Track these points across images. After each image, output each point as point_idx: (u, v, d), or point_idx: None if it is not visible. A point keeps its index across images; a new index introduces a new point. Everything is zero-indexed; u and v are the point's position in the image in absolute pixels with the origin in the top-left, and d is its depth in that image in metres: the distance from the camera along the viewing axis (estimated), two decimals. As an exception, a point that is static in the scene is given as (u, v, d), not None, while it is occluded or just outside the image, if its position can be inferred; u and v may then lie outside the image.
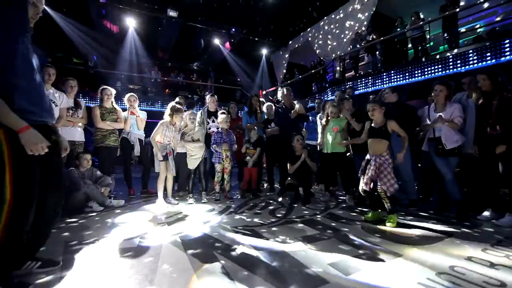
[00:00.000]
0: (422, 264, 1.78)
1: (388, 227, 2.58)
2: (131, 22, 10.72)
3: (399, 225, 2.63)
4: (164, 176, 3.60)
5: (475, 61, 5.39)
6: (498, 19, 6.93)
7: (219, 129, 4.02)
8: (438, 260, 1.83)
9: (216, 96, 4.61)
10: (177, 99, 4.50)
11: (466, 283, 1.52)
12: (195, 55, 13.75)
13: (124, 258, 1.93)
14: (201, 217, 3.02)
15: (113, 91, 4.00)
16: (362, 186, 2.85)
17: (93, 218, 3.01)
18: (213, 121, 4.36)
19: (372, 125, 2.90)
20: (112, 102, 3.97)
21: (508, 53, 4.94)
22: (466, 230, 2.47)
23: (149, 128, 4.08)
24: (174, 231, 2.52)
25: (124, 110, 4.18)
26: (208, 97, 4.67)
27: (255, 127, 4.35)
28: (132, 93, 4.32)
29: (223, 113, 4.07)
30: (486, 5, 6.32)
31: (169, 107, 3.69)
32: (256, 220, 2.89)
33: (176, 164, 3.72)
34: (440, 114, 2.96)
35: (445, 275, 1.62)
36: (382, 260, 1.84)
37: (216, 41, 12.56)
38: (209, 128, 4.32)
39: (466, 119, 2.94)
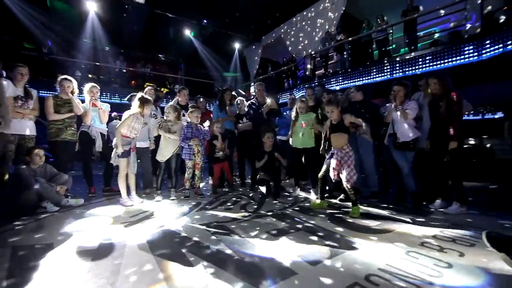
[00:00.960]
0: (383, 251, 1.91)
1: (352, 218, 2.74)
2: (91, 6, 9.84)
3: (362, 215, 2.80)
4: (124, 174, 3.38)
5: (431, 64, 5.88)
6: (451, 25, 7.63)
7: (189, 123, 3.89)
8: (395, 247, 1.98)
9: (187, 90, 4.46)
10: (145, 90, 4.25)
11: (419, 266, 1.67)
12: (164, 45, 13.09)
13: (83, 261, 1.79)
14: (170, 215, 2.91)
15: (75, 83, 3.64)
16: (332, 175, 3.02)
17: (47, 220, 2.75)
18: (183, 115, 4.22)
19: (332, 122, 3.09)
20: (70, 94, 3.59)
21: (458, 58, 5.46)
22: (420, 219, 2.71)
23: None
24: (140, 230, 2.40)
25: (83, 102, 3.82)
26: (178, 90, 4.50)
27: (219, 122, 4.28)
28: (93, 84, 3.97)
29: (193, 106, 3.95)
30: (442, 12, 6.92)
31: (137, 98, 3.48)
32: (227, 215, 2.86)
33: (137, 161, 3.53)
34: (398, 106, 3.20)
35: (402, 259, 1.76)
36: (346, 249, 1.94)
37: (187, 32, 12.09)
38: (179, 122, 4.17)
39: (423, 117, 3.21)
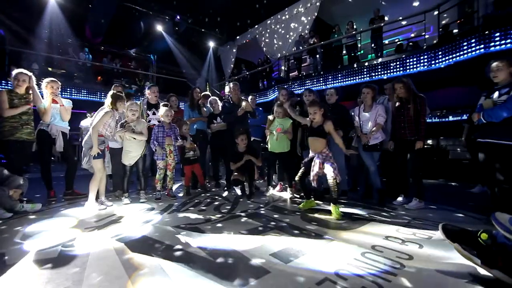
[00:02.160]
0: (351, 245, 2.01)
1: (333, 218, 2.72)
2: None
3: (331, 212, 2.91)
4: (100, 176, 3.17)
5: (395, 70, 6.31)
6: (412, 35, 8.27)
7: (161, 122, 3.75)
8: (362, 241, 2.09)
9: (157, 87, 4.29)
10: (112, 88, 4.01)
11: (383, 259, 1.78)
12: (133, 40, 12.45)
13: (40, 271, 1.64)
14: (139, 218, 2.78)
15: (33, 77, 3.32)
16: (310, 180, 3.04)
17: (-3, 227, 2.47)
18: (154, 114, 4.06)
19: (313, 125, 3.06)
20: (27, 89, 3.26)
21: (419, 65, 5.93)
22: (384, 214, 2.90)
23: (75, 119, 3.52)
24: (106, 235, 2.26)
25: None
26: (148, 88, 4.30)
27: (188, 122, 4.20)
28: (52, 78, 3.62)
29: (165, 105, 3.81)
30: (404, 22, 7.47)
31: (109, 95, 3.29)
32: (200, 217, 2.81)
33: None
34: (366, 132, 3.41)
35: (368, 253, 1.87)
36: (318, 246, 2.01)
37: (159, 28, 11.64)
38: (149, 121, 4.01)
39: (387, 119, 3.43)
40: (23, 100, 3.22)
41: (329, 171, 2.81)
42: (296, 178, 3.14)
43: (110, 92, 3.36)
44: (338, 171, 2.85)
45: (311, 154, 3.09)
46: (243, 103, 4.20)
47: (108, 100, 3.29)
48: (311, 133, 3.05)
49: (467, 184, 4.65)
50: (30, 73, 3.31)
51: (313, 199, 3.25)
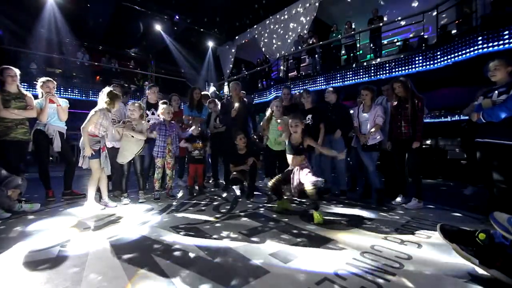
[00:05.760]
0: (350, 246, 2.01)
1: (316, 224, 2.57)
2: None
3: (331, 214, 2.92)
4: (97, 177, 3.13)
5: (394, 70, 6.33)
6: (411, 35, 8.29)
7: (163, 120, 3.71)
8: (361, 241, 2.09)
9: (157, 87, 4.28)
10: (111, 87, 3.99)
11: (383, 259, 1.78)
12: (132, 40, 12.44)
13: (39, 271, 1.63)
14: (138, 218, 2.77)
15: (18, 72, 3.23)
16: (290, 192, 3.00)
17: (-5, 228, 2.46)
18: (153, 113, 4.05)
19: (292, 142, 2.95)
20: (17, 86, 3.22)
21: (418, 65, 5.95)
22: (383, 214, 2.91)
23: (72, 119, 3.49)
24: (105, 235, 2.25)
25: (35, 97, 3.45)
26: (148, 88, 4.29)
27: (193, 121, 4.15)
28: (48, 78, 3.55)
29: (164, 103, 3.78)
30: (403, 22, 7.49)
31: (105, 92, 3.20)
32: (199, 217, 2.80)
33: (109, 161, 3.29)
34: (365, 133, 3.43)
35: (367, 253, 1.87)
36: (317, 246, 2.01)
37: (158, 27, 11.61)
38: (148, 121, 3.99)
39: (386, 120, 3.43)
40: (17, 99, 3.16)
41: (306, 180, 2.65)
42: (270, 183, 2.98)
43: (106, 90, 3.25)
44: (315, 174, 2.74)
45: (290, 167, 2.98)
46: (236, 104, 4.14)
47: (103, 97, 3.18)
48: (291, 151, 2.95)
49: (465, 184, 4.66)
50: (16, 70, 3.21)
51: (285, 199, 3.15)
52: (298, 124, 2.88)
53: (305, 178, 2.68)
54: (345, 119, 3.72)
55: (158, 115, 3.78)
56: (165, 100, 4.02)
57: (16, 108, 3.15)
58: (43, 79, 3.50)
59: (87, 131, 3.02)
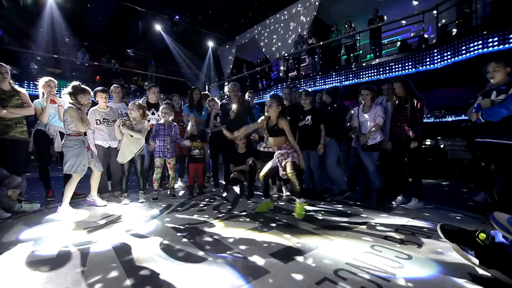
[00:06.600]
0: (350, 246, 2.01)
1: (298, 217, 2.62)
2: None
3: (331, 214, 2.92)
4: (77, 180, 3.04)
5: (394, 70, 6.33)
6: (411, 35, 8.29)
7: (163, 120, 3.71)
8: (361, 241, 2.10)
9: (157, 87, 4.28)
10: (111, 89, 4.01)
11: (383, 259, 1.78)
12: (132, 40, 12.42)
13: (39, 272, 1.63)
14: (138, 218, 2.78)
15: (8, 68, 3.14)
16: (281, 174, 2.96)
17: (-5, 227, 2.46)
18: (153, 114, 4.05)
19: (269, 123, 2.93)
20: (10, 83, 3.15)
21: (418, 65, 5.95)
22: (383, 214, 2.90)
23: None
24: (105, 235, 2.26)
25: (36, 97, 3.45)
26: (148, 88, 4.29)
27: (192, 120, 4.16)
28: (50, 78, 3.58)
29: (166, 103, 3.79)
30: (403, 22, 7.49)
31: (66, 90, 3.06)
32: (199, 217, 2.81)
33: (106, 160, 3.29)
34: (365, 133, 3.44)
35: (367, 253, 1.87)
36: (317, 246, 2.01)
37: (158, 27, 11.61)
38: (148, 121, 3.99)
39: (386, 120, 3.43)
40: (13, 97, 3.09)
41: (287, 165, 2.70)
42: (262, 173, 2.99)
43: (69, 87, 3.08)
44: (298, 160, 2.75)
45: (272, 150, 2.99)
46: (234, 106, 4.14)
47: (67, 90, 3.06)
48: (269, 132, 2.95)
49: (466, 184, 4.66)
50: (7, 66, 3.14)
51: (270, 200, 3.10)
52: (271, 104, 2.83)
53: (286, 164, 2.73)
54: (336, 123, 3.75)
55: (159, 115, 3.78)
56: (168, 101, 4.02)
57: (13, 106, 3.09)
58: (45, 79, 3.51)
59: (80, 129, 3.00)
